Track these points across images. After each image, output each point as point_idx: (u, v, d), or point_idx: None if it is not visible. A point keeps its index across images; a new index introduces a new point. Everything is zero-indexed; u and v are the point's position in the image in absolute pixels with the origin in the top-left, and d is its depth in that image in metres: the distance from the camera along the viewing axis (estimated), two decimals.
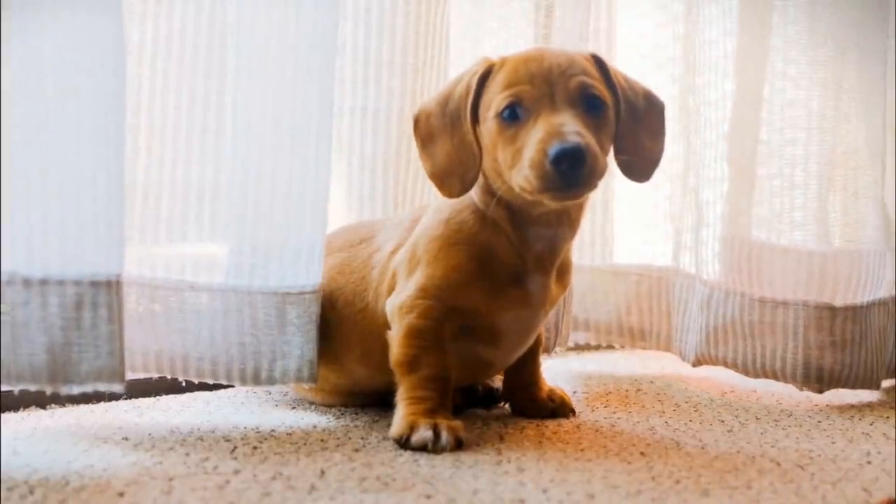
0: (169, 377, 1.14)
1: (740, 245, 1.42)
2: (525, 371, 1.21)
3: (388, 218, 1.27)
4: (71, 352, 0.96)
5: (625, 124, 1.08)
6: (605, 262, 1.60)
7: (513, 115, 1.02)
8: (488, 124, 1.04)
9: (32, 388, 0.96)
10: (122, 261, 1.00)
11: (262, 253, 1.12)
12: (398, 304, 1.08)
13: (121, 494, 0.85)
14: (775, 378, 1.38)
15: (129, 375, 1.19)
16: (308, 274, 1.13)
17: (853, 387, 1.36)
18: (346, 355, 1.17)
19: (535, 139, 0.98)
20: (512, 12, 1.48)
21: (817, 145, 1.40)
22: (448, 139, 1.07)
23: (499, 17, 1.48)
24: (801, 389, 1.38)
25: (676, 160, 1.52)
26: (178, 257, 1.12)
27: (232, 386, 1.26)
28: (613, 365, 1.62)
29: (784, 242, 1.41)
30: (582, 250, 1.57)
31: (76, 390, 0.97)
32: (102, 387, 0.98)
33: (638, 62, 1.59)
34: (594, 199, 1.58)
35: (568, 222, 1.10)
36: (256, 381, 1.12)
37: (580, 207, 1.10)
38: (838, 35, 1.39)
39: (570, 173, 0.96)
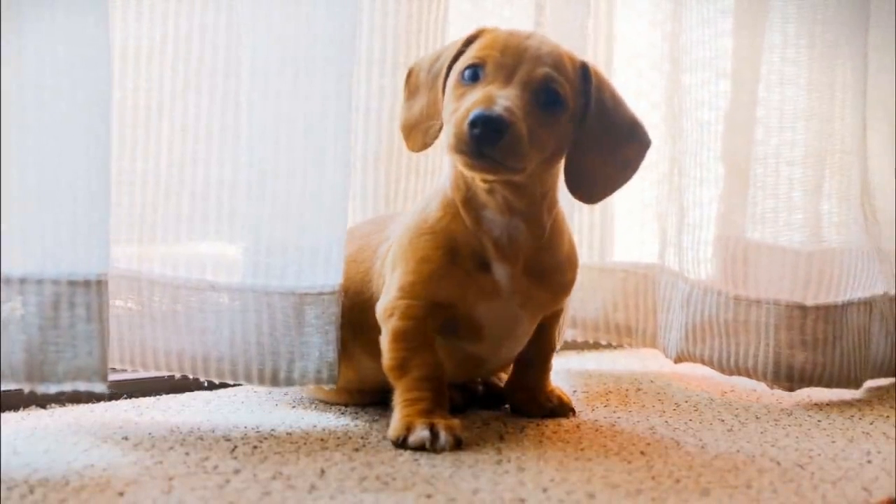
0: (191, 377, 1.13)
1: (734, 244, 1.41)
2: (531, 372, 1.21)
3: (405, 212, 1.27)
4: (48, 351, 0.96)
5: (589, 139, 1.07)
6: (591, 259, 1.59)
7: (473, 77, 1.04)
8: (450, 79, 1.07)
9: (11, 386, 0.96)
10: (106, 261, 0.99)
11: (280, 253, 1.12)
12: (382, 307, 1.09)
13: (121, 494, 0.85)
14: (748, 376, 1.38)
15: (152, 374, 1.20)
16: (327, 274, 1.12)
17: (828, 386, 1.36)
18: (355, 343, 1.17)
19: (469, 101, 1.00)
20: (512, 10, 1.48)
21: (810, 145, 1.40)
22: (425, 94, 1.10)
23: (499, 17, 1.48)
24: (772, 388, 1.37)
25: (663, 160, 1.52)
26: (199, 257, 1.12)
27: (231, 385, 1.26)
28: (613, 364, 1.62)
29: (775, 242, 1.40)
30: (580, 250, 1.56)
31: (53, 389, 0.96)
32: (82, 386, 0.97)
33: (635, 60, 1.59)
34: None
35: (519, 214, 1.08)
36: (275, 382, 1.12)
37: (527, 200, 1.07)
38: (830, 34, 1.39)
39: (482, 140, 0.97)
